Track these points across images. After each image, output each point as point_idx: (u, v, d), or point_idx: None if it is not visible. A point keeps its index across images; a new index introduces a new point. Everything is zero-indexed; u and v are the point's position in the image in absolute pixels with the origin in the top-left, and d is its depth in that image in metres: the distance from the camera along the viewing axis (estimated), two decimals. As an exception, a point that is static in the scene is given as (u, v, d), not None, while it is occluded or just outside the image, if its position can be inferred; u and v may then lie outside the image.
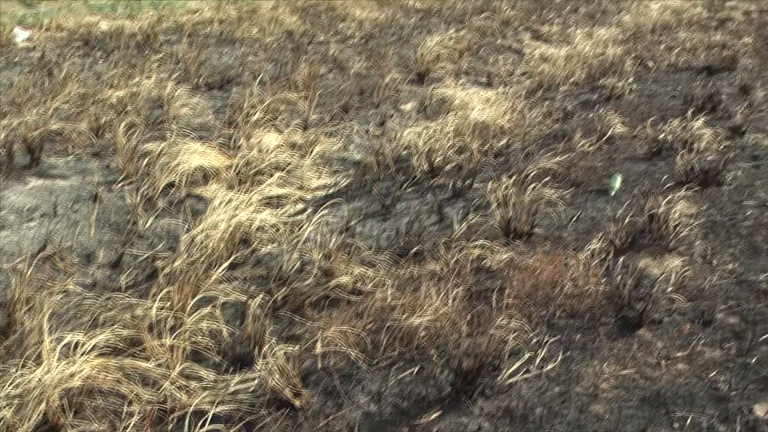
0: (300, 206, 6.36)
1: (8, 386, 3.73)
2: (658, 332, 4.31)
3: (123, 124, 7.19)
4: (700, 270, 4.98)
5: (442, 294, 4.47)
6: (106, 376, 3.85)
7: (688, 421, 3.59)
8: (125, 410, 3.73)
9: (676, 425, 3.58)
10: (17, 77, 9.28)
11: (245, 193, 6.18)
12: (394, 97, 9.56)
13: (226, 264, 5.02)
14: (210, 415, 3.65)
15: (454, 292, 4.52)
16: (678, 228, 5.35)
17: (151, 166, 6.63)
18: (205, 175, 6.65)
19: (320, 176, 6.98)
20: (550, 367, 4.00)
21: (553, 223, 5.76)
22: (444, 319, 4.30)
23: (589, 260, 4.92)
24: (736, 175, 6.60)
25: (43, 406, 3.58)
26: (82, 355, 3.89)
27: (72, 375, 3.73)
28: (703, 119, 7.95)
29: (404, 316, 4.30)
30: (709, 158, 6.92)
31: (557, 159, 6.87)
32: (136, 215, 5.90)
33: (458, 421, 3.68)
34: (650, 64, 11.82)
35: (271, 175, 6.65)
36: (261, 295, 4.68)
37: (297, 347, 4.18)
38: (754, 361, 3.99)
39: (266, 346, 4.13)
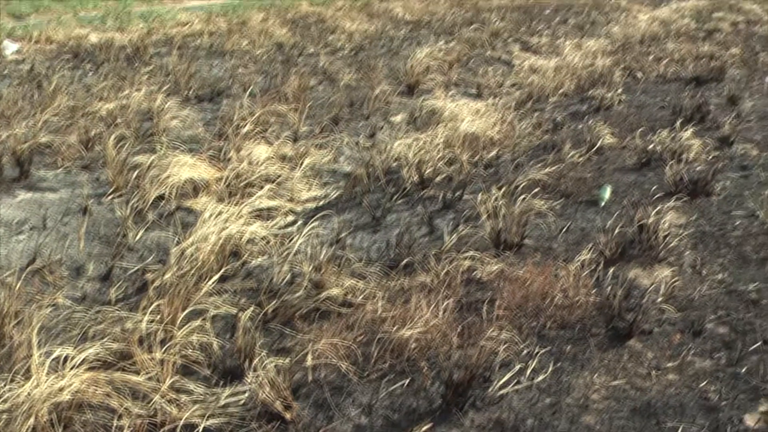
0: (290, 218, 6.35)
1: (-3, 401, 3.71)
2: (648, 343, 4.31)
3: (113, 137, 7.17)
4: (690, 280, 4.99)
5: (433, 306, 4.47)
6: (96, 390, 3.83)
7: (679, 432, 3.60)
8: (115, 424, 3.70)
9: (666, 436, 3.58)
10: (6, 90, 9.27)
11: (235, 205, 6.18)
12: (384, 108, 9.58)
13: (216, 277, 5.01)
14: (200, 428, 3.64)
15: (445, 303, 4.51)
16: (667, 238, 5.36)
17: (141, 178, 6.62)
18: (195, 188, 6.64)
19: (310, 188, 6.98)
20: (540, 378, 4.00)
21: (543, 234, 5.78)
22: (434, 331, 4.30)
23: (579, 271, 4.92)
24: (724, 186, 6.63)
25: (32, 420, 3.56)
26: (71, 368, 3.87)
27: (61, 389, 3.71)
28: (691, 130, 7.99)
29: (395, 328, 4.30)
30: (698, 168, 6.95)
31: (547, 170, 6.88)
32: (125, 228, 5.89)
33: (449, 433, 3.67)
34: (639, 74, 11.88)
35: (262, 188, 6.65)
36: (251, 308, 4.67)
37: (287, 360, 4.17)
38: (744, 370, 4.00)
39: (257, 359, 4.12)
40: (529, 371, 4.03)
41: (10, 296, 4.51)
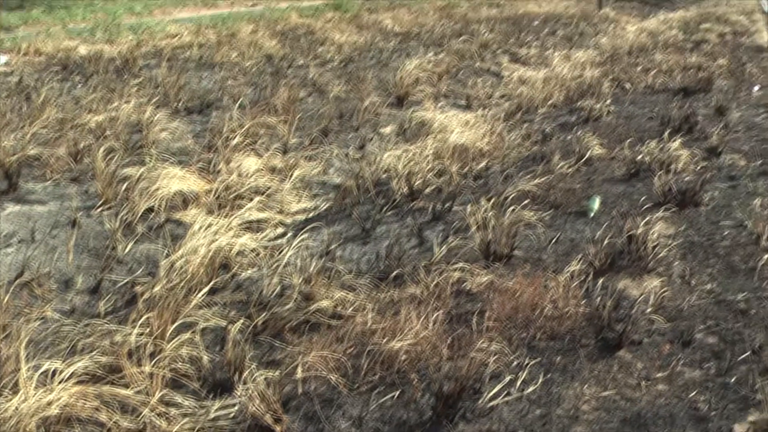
0: (280, 230, 6.35)
1: (-15, 415, 3.68)
2: (637, 353, 4.32)
3: (102, 149, 7.16)
4: (679, 290, 5.01)
5: (423, 317, 4.47)
6: (85, 403, 3.81)
7: (669, 442, 3.60)
8: (104, 438, 3.69)
9: (656, 446, 3.59)
10: (-5, 102, 9.24)
11: (225, 217, 6.17)
12: (373, 120, 9.59)
13: (206, 289, 5.00)
14: (190, 442, 3.63)
15: (435, 315, 4.51)
16: (656, 249, 5.38)
17: (131, 191, 6.60)
18: (185, 200, 6.63)
19: (300, 200, 6.98)
20: (530, 389, 4.00)
21: (533, 246, 5.79)
22: (424, 343, 4.30)
23: (568, 282, 4.93)
24: (713, 196, 6.66)
25: (20, 435, 3.54)
26: (60, 382, 3.85)
27: (50, 403, 3.69)
28: (680, 140, 8.04)
29: (385, 340, 4.29)
30: (686, 179, 6.98)
31: (536, 181, 6.90)
32: (115, 240, 5.87)
33: (440, 445, 3.67)
34: (627, 86, 11.94)
35: (251, 200, 6.64)
36: (241, 320, 4.66)
37: (277, 372, 4.16)
38: (733, 380, 4.01)
39: (246, 372, 4.11)
40: (519, 382, 4.03)
41: (-2, 310, 4.49)
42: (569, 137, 8.59)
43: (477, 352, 4.17)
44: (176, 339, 4.36)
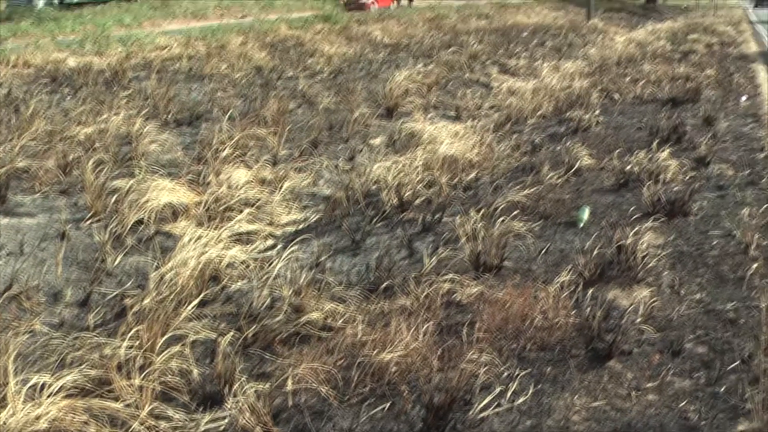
0: (270, 242, 6.35)
1: (-27, 430, 3.66)
2: (627, 363, 4.32)
3: (91, 161, 7.15)
4: (669, 300, 5.02)
5: (413, 329, 4.47)
6: (74, 417, 3.79)
7: (659, 453, 3.60)
8: (93, 452, 3.67)
9: (647, 457, 3.59)
10: (-17, 115, 9.21)
11: (215, 229, 6.16)
12: (363, 131, 9.60)
13: (195, 301, 4.99)
14: (180, 455, 3.61)
15: (425, 326, 4.51)
16: (646, 259, 5.39)
17: (120, 203, 6.59)
18: (174, 212, 6.62)
19: (290, 212, 6.98)
20: (521, 400, 4.00)
21: (523, 256, 5.79)
22: (415, 354, 4.29)
23: (558, 292, 4.94)
24: (701, 206, 6.68)
25: (8, 449, 3.52)
26: (48, 396, 3.84)
27: (38, 417, 3.67)
28: (668, 150, 8.07)
29: (375, 352, 4.29)
30: (675, 189, 7.00)
31: (526, 192, 6.91)
32: (104, 253, 5.86)
33: (430, 456, 3.66)
34: (616, 96, 11.99)
35: (241, 212, 6.64)
36: (231, 333, 4.65)
37: (267, 385, 4.15)
38: (722, 390, 4.01)
39: (236, 384, 4.10)
40: (509, 393, 4.03)
41: (-14, 323, 4.47)
42: (558, 148, 8.62)
43: (467, 363, 4.17)
44: (166, 352, 4.35)
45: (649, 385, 4.10)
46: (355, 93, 11.35)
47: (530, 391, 4.06)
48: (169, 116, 9.55)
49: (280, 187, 7.31)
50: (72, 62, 12.45)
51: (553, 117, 10.68)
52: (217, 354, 4.34)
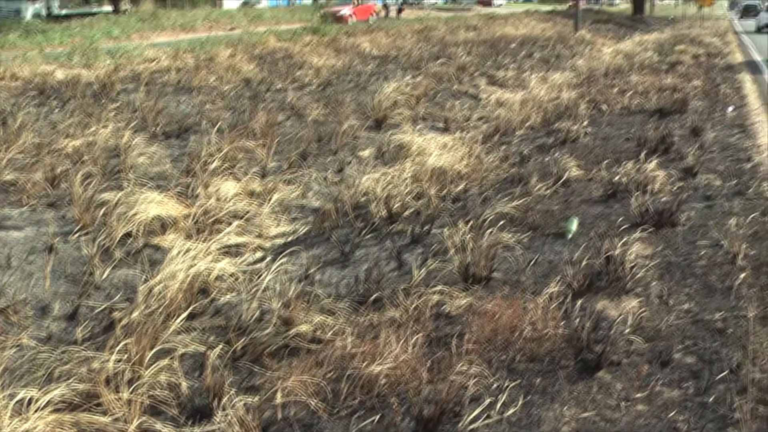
0: (259, 254, 6.34)
1: (-41, 445, 3.64)
2: (617, 374, 4.33)
3: (79, 174, 7.13)
4: (657, 310, 5.02)
5: (402, 341, 4.46)
6: (62, 432, 3.78)
7: (649, 463, 3.60)
8: (81, 467, 3.65)
9: (636, 467, 3.59)
10: (-29, 128, 9.18)
11: (203, 242, 6.15)
12: (351, 143, 9.61)
13: (184, 314, 4.97)
14: (168, 469, 3.59)
15: (414, 338, 4.51)
16: (634, 269, 5.40)
17: (108, 216, 6.57)
18: (163, 225, 6.61)
19: (279, 224, 6.97)
20: (510, 411, 3.99)
21: (511, 268, 5.80)
22: (404, 366, 4.29)
23: (547, 304, 4.94)
24: (689, 216, 6.70)
25: (-5, 465, 3.50)
26: (36, 411, 3.82)
27: (26, 432, 3.66)
28: (656, 161, 8.09)
29: (364, 364, 4.28)
30: (663, 199, 7.02)
31: (514, 203, 6.92)
32: (92, 266, 5.84)
33: (420, 469, 3.65)
34: (604, 107, 12.03)
35: (230, 224, 6.63)
36: (220, 346, 4.64)
37: (257, 398, 4.14)
38: (711, 399, 4.02)
39: (226, 398, 4.09)
40: (499, 405, 4.03)
41: (-27, 338, 4.44)
42: (547, 159, 8.64)
43: (457, 375, 4.16)
44: (155, 365, 4.33)
45: (639, 395, 4.11)
46: (344, 105, 11.37)
47: (520, 403, 4.06)
48: (158, 129, 9.54)
49: (269, 200, 7.31)
50: (60, 75, 12.44)
51: (541, 128, 10.72)
52: (206, 367, 4.33)
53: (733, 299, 5.07)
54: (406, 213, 6.95)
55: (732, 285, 5.25)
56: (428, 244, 6.31)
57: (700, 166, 8.10)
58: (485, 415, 3.94)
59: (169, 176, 7.92)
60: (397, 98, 11.81)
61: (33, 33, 22.08)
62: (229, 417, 3.83)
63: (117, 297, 5.50)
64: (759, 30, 45.43)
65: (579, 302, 5.04)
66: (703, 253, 5.88)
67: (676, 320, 4.87)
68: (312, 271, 5.85)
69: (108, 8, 44.70)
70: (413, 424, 3.87)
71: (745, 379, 4.07)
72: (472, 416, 3.89)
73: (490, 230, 6.10)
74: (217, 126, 9.52)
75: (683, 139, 9.57)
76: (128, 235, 6.36)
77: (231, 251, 6.28)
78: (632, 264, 5.42)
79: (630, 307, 5.04)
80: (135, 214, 6.51)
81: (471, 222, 6.36)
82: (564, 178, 7.78)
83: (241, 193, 7.38)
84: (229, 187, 7.43)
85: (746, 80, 16.67)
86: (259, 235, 6.66)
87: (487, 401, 4.04)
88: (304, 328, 4.82)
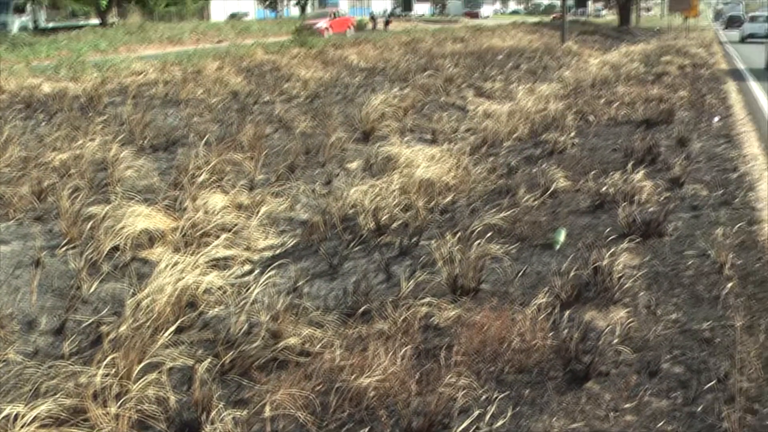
0: (247, 267, 6.32)
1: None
2: (605, 384, 4.33)
3: (66, 188, 7.11)
4: (645, 321, 5.04)
5: (391, 353, 4.46)
6: (49, 447, 3.75)
7: (638, 474, 3.61)
8: (68, 483, 3.63)
9: (625, 478, 3.59)
10: (-43, 142, 9.14)
11: (191, 255, 6.14)
12: (339, 156, 9.62)
13: (172, 328, 4.96)
14: (156, 484, 3.58)
15: (403, 350, 4.51)
16: (622, 280, 5.41)
17: (96, 229, 6.56)
18: (151, 238, 6.60)
19: (267, 237, 6.97)
20: (499, 423, 3.99)
21: (500, 279, 5.80)
22: (393, 379, 4.28)
23: (535, 315, 4.94)
24: (676, 226, 6.72)
25: (-18, 481, 3.47)
26: (22, 426, 3.80)
27: (12, 448, 3.63)
28: (643, 171, 8.12)
29: (353, 377, 4.27)
30: (650, 210, 7.05)
31: (502, 214, 6.93)
32: (79, 280, 5.82)
33: (409, 481, 3.65)
34: (591, 118, 12.07)
35: (218, 237, 6.63)
36: (208, 359, 4.62)
37: (245, 411, 4.13)
38: (700, 409, 4.03)
39: (214, 412, 4.07)
40: (488, 417, 4.02)
41: (-41, 353, 4.42)
42: (534, 170, 8.66)
43: (445, 387, 4.16)
44: (143, 379, 4.31)
45: (627, 405, 4.11)
46: (332, 117, 11.39)
47: (509, 414, 4.06)
48: (145, 142, 9.53)
49: (257, 212, 7.30)
50: (47, 88, 12.41)
51: (528, 139, 10.75)
52: (194, 381, 4.31)
53: (721, 309, 5.09)
54: (395, 225, 6.96)
55: (719, 294, 5.27)
56: (416, 256, 6.31)
57: (687, 176, 8.13)
58: (474, 426, 3.93)
59: (157, 189, 7.91)
60: (384, 110, 11.83)
61: (19, 46, 22.03)
62: (218, 431, 3.81)
63: (104, 311, 5.48)
64: (742, 40, 46.29)
65: (567, 313, 5.05)
66: (690, 263, 5.90)
67: (664, 330, 4.88)
68: (300, 283, 5.85)
69: (95, 21, 44.71)
70: (402, 436, 3.87)
71: (733, 388, 4.08)
72: (461, 428, 3.89)
73: (478, 242, 6.11)
74: (205, 139, 9.51)
75: (670, 149, 9.61)
76: (116, 248, 6.34)
77: (219, 264, 6.27)
78: (620, 274, 5.44)
79: (618, 317, 5.05)
80: (122, 228, 6.50)
81: (459, 233, 6.37)
82: (551, 189, 7.80)
83: (229, 206, 7.37)
84: (217, 200, 7.43)
85: (732, 90, 16.77)
86: (248, 248, 6.65)
87: (476, 413, 4.04)
88: (292, 340, 4.81)
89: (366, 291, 5.46)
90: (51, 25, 45.68)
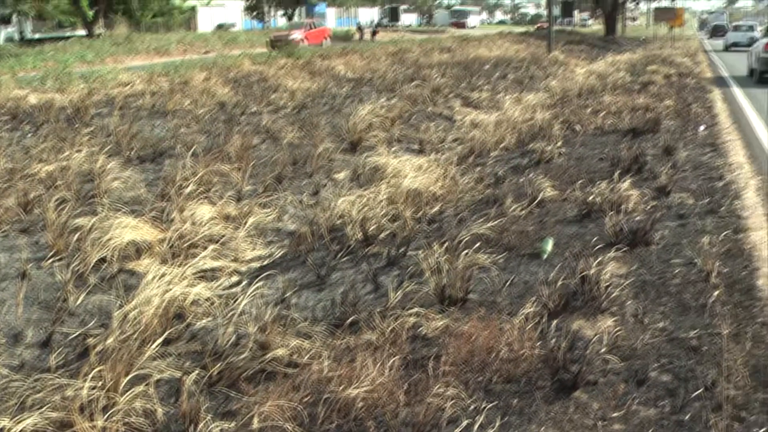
0: (235, 279, 6.31)
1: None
2: (593, 393, 4.34)
3: (53, 199, 7.09)
4: (632, 329, 5.05)
5: (379, 364, 4.45)
6: (35, 461, 3.73)
7: (626, 483, 3.61)
8: (55, 497, 3.61)
9: (614, 487, 3.59)
10: (-58, 154, 9.11)
11: (179, 266, 6.12)
12: (327, 166, 9.62)
13: (160, 340, 4.94)
14: (144, 498, 3.56)
15: (391, 361, 4.50)
16: (609, 288, 5.42)
17: (82, 241, 6.53)
18: (138, 250, 6.58)
19: (255, 248, 6.95)
20: (488, 433, 3.99)
21: (487, 289, 5.81)
22: (381, 389, 4.28)
23: (523, 324, 4.95)
24: (663, 235, 6.75)
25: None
26: (8, 440, 3.77)
27: (-2, 462, 3.61)
28: (629, 180, 8.16)
29: (341, 388, 4.27)
30: (636, 219, 7.07)
31: (489, 224, 6.94)
32: (66, 292, 5.79)
33: (398, 492, 3.64)
34: (577, 127, 12.11)
35: (205, 248, 6.61)
36: (196, 371, 4.61)
37: (233, 423, 4.11)
38: (687, 417, 4.04)
39: (202, 423, 4.05)
40: (476, 427, 4.02)
41: (-56, 367, 4.39)
42: (521, 180, 8.68)
43: (434, 397, 4.16)
44: (130, 392, 4.29)
45: (615, 414, 4.12)
46: (319, 128, 11.39)
47: (497, 424, 4.06)
48: (132, 153, 9.51)
49: (245, 223, 7.29)
50: (33, 99, 12.38)
51: (515, 149, 10.78)
52: (181, 393, 4.30)
53: (707, 317, 5.11)
54: (382, 235, 6.96)
55: (706, 303, 5.29)
56: (404, 266, 6.31)
57: (673, 185, 8.17)
58: (463, 437, 3.93)
59: (144, 201, 7.89)
60: (372, 120, 11.84)
61: (5, 57, 21.98)
62: (206, 443, 3.80)
63: (91, 323, 5.46)
64: (726, 48, 47.21)
65: (555, 322, 5.06)
66: (677, 271, 5.92)
67: (651, 339, 4.90)
68: (288, 294, 5.84)
69: (82, 32, 44.67)
70: (391, 447, 3.86)
71: (720, 396, 4.10)
72: (449, 438, 3.89)
73: (465, 251, 6.11)
74: (192, 150, 9.49)
75: (656, 158, 9.66)
76: (103, 260, 6.32)
77: (207, 275, 6.25)
78: (607, 283, 5.45)
79: (605, 326, 5.06)
80: (109, 239, 6.47)
81: (446, 243, 6.37)
82: (539, 198, 7.82)
83: (216, 217, 7.36)
84: (204, 211, 7.41)
85: (717, 99, 16.88)
86: (235, 259, 6.64)
87: (465, 423, 4.03)
88: (280, 352, 4.80)
89: (354, 301, 5.46)
90: (37, 36, 45.59)
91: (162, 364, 4.74)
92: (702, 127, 12.06)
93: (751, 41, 31.22)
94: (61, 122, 10.96)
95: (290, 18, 60.23)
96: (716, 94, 17.87)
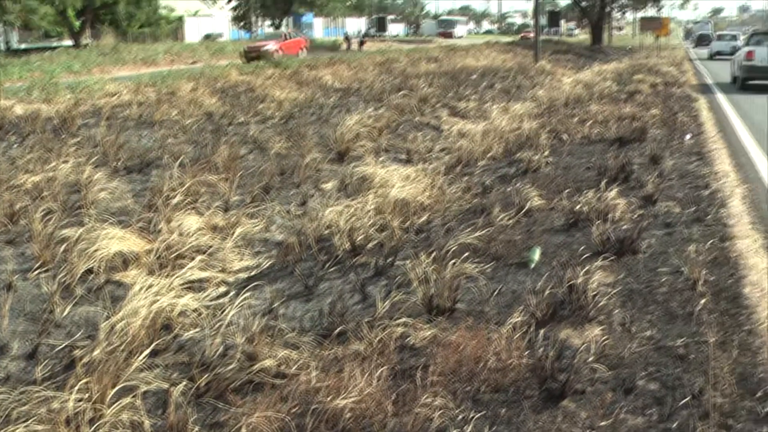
0: (222, 289, 6.29)
1: None
2: (581, 402, 4.34)
3: (39, 210, 7.06)
4: (620, 338, 5.06)
5: (367, 374, 4.45)
6: (21, 474, 3.71)
7: (614, 492, 3.61)
8: None
9: (602, 496, 3.59)
10: (-72, 165, 9.06)
11: (166, 277, 6.10)
12: (314, 176, 9.62)
13: (147, 351, 4.92)
14: None
15: (379, 371, 4.50)
16: (597, 297, 5.43)
17: (69, 252, 6.51)
18: (125, 261, 6.55)
19: (242, 258, 6.94)
20: (476, 443, 3.99)
21: (475, 298, 5.81)
22: (369, 400, 4.27)
23: (511, 334, 4.95)
24: (650, 243, 6.77)
25: None
26: (-6, 454, 3.75)
27: (-16, 476, 3.58)
28: (616, 189, 8.18)
29: (329, 398, 4.26)
30: (623, 227, 7.09)
31: (477, 234, 6.95)
32: (52, 304, 5.76)
33: (387, 503, 3.63)
34: (564, 137, 12.16)
35: (193, 259, 6.59)
36: (183, 382, 4.59)
37: (221, 435, 4.10)
38: (675, 426, 4.05)
39: (189, 435, 4.04)
40: (464, 437, 4.02)
41: (-71, 380, 4.36)
42: (509, 189, 8.70)
43: (422, 407, 4.15)
44: (117, 404, 4.27)
45: (603, 423, 4.12)
46: (306, 138, 11.39)
47: (485, 434, 4.06)
48: (119, 163, 9.49)
49: (232, 234, 7.28)
50: (19, 110, 12.33)
51: (503, 158, 10.80)
52: (169, 404, 4.28)
53: (694, 325, 5.13)
54: (370, 245, 6.96)
55: (693, 311, 5.31)
56: (392, 276, 6.31)
57: (660, 194, 8.20)
58: (451, 447, 3.93)
59: (131, 211, 7.87)
60: (359, 130, 11.86)
61: (-9, 68, 21.90)
62: (193, 455, 3.78)
63: (78, 335, 5.43)
64: (711, 57, 47.94)
65: (542, 331, 5.06)
66: (664, 279, 5.94)
67: (638, 347, 4.91)
68: (276, 305, 5.83)
69: (68, 42, 44.59)
70: (379, 457, 3.85)
71: (707, 404, 4.11)
72: (437, 448, 3.88)
73: (453, 261, 6.12)
74: (180, 160, 9.48)
75: (643, 167, 9.70)
76: (89, 271, 6.30)
77: (194, 286, 6.23)
78: (594, 292, 5.46)
79: (593, 335, 5.07)
80: (96, 250, 6.45)
81: (434, 253, 6.38)
82: (526, 208, 7.84)
83: (203, 228, 7.34)
84: (191, 222, 7.40)
85: (702, 108, 16.97)
86: (223, 270, 6.62)
87: (453, 433, 4.03)
88: (268, 362, 4.78)
89: (342, 312, 5.45)
90: (23, 46, 45.48)
91: (149, 376, 4.72)
92: (688, 136, 12.12)
93: (734, 50, 31.64)
94: (47, 133, 10.93)
95: (277, 28, 60.27)
96: (702, 103, 17.99)
